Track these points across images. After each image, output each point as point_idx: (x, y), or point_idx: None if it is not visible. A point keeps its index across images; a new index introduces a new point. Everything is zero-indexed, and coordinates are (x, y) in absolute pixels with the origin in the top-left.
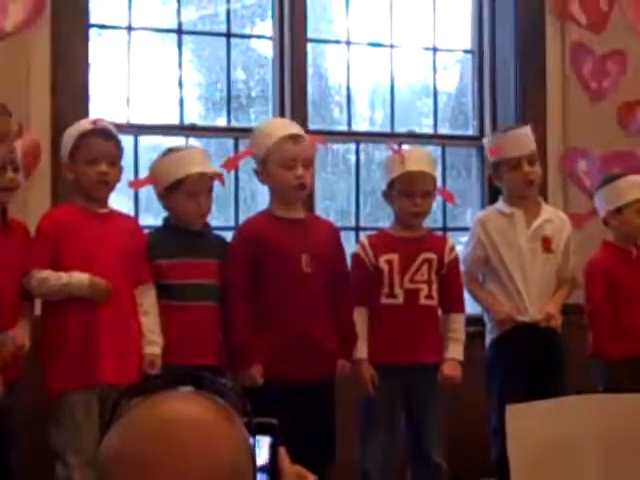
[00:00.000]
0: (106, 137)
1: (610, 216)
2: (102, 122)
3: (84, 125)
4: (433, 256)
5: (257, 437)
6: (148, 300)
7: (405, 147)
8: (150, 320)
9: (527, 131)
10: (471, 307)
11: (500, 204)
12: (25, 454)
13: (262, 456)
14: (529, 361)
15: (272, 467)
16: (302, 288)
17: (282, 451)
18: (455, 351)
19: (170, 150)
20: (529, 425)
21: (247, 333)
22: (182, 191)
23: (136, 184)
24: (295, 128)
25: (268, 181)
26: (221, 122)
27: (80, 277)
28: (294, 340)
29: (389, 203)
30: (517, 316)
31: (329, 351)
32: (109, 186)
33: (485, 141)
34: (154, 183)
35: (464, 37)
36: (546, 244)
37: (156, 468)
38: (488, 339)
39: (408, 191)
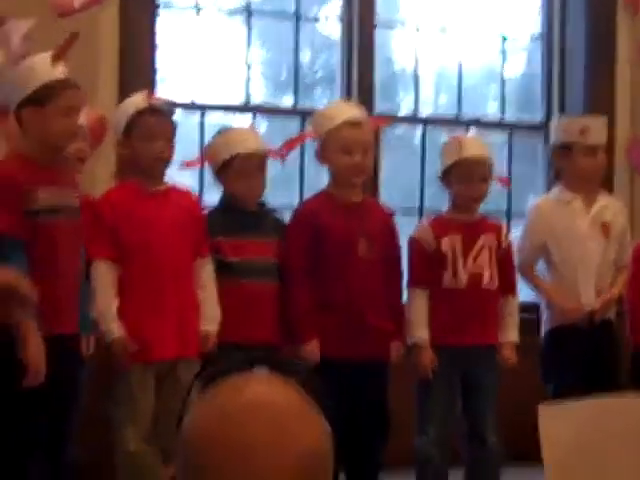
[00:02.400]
0: (162, 115)
1: None
2: (157, 99)
3: (138, 102)
4: (492, 240)
5: None
6: (205, 274)
7: (464, 133)
8: (207, 295)
9: (605, 122)
10: (524, 294)
11: (557, 191)
12: (85, 424)
13: None
14: (585, 351)
15: None
16: (359, 271)
17: None
18: (513, 333)
19: (221, 130)
20: (562, 425)
21: (306, 310)
22: (232, 171)
23: (188, 164)
24: (356, 113)
25: (327, 164)
26: (287, 103)
27: (113, 328)
28: (351, 322)
29: (446, 188)
30: (582, 309)
31: (385, 333)
32: (166, 162)
33: (566, 120)
34: (208, 163)
35: (533, 22)
36: (605, 230)
37: (251, 451)
38: (545, 328)
39: (466, 176)
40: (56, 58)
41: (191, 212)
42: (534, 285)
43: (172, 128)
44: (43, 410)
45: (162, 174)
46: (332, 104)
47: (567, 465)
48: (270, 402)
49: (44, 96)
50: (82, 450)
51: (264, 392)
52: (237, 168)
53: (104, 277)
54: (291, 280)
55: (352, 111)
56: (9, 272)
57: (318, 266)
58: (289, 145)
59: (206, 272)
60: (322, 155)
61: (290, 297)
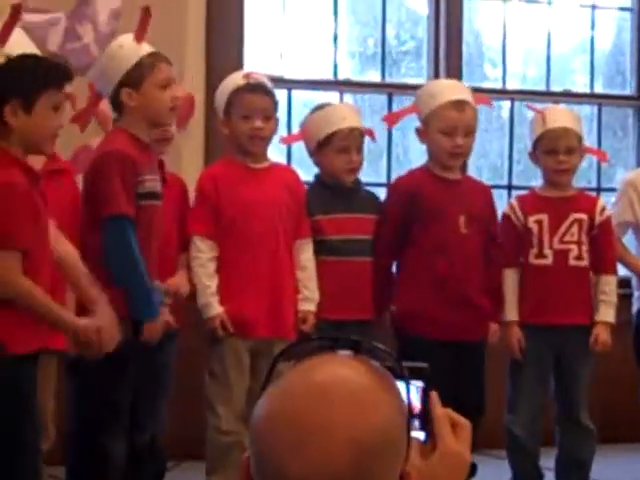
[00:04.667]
0: (260, 91)
1: None
2: (255, 75)
3: (237, 80)
4: (583, 216)
5: (409, 381)
6: (306, 255)
7: (548, 105)
8: (307, 275)
9: None
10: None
11: None
12: (182, 400)
13: (414, 400)
14: None
15: (424, 411)
16: (459, 248)
17: (434, 395)
18: (607, 314)
19: (321, 106)
20: None
21: (384, 285)
22: (333, 146)
23: (288, 140)
24: (462, 93)
25: (427, 142)
26: (373, 77)
27: (213, 304)
28: (450, 298)
29: (536, 163)
30: None
31: (483, 311)
32: (265, 141)
33: None
34: (305, 139)
35: None
36: None
37: (306, 432)
38: (636, 306)
39: (551, 149)
40: (138, 37)
41: (293, 191)
42: (623, 260)
43: (272, 105)
44: (127, 389)
45: (263, 152)
46: (437, 82)
47: None
48: (335, 384)
49: (139, 74)
50: (174, 421)
51: (333, 374)
52: (339, 143)
53: (204, 253)
54: (378, 255)
55: (458, 91)
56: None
57: (418, 240)
58: (395, 116)
59: (306, 253)
60: (423, 133)
61: (374, 272)
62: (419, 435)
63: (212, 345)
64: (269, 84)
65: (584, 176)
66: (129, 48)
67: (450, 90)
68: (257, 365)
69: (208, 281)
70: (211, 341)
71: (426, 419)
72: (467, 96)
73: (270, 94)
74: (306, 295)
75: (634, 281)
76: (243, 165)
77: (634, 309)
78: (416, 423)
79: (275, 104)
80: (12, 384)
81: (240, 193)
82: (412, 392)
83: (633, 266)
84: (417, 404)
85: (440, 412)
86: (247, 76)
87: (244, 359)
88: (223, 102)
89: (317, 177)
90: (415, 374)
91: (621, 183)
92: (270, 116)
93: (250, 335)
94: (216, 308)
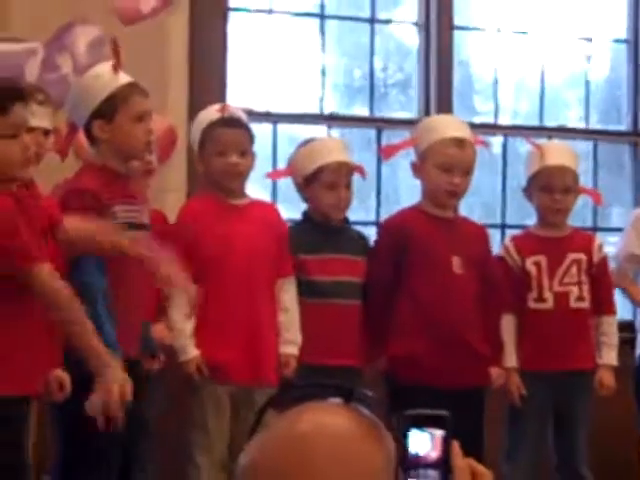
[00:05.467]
0: (234, 125)
1: None
2: (230, 109)
3: (211, 114)
4: (582, 256)
5: (429, 430)
6: (289, 295)
7: (547, 141)
8: (289, 317)
9: None
10: (621, 312)
11: None
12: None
13: (435, 450)
14: None
15: (445, 461)
16: (453, 290)
17: (455, 445)
18: (609, 357)
19: (309, 140)
20: None
21: (378, 329)
22: (321, 181)
23: (275, 175)
24: (463, 131)
25: (422, 178)
26: (361, 111)
27: (188, 347)
28: (447, 343)
29: (530, 200)
30: None
31: (482, 356)
32: (242, 177)
33: None
34: (293, 174)
35: (618, 26)
36: None
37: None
38: (638, 349)
39: (547, 186)
40: (115, 68)
41: (274, 228)
42: (630, 295)
43: (248, 139)
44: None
45: (241, 188)
46: (439, 117)
47: None
48: (321, 433)
49: (112, 106)
50: (156, 474)
51: (320, 423)
52: (327, 178)
53: (180, 295)
54: (372, 296)
55: (460, 127)
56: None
57: (410, 282)
58: (392, 149)
59: (289, 293)
60: (419, 167)
61: (365, 310)
62: None
63: (191, 392)
64: (244, 117)
65: (579, 215)
66: (104, 79)
67: (452, 126)
68: (238, 411)
69: (183, 324)
70: (190, 388)
71: (446, 470)
72: (468, 134)
73: (245, 128)
74: (287, 338)
75: (638, 322)
76: (221, 201)
77: (638, 352)
78: (432, 473)
79: (251, 138)
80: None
81: (218, 230)
82: (424, 441)
83: (637, 300)
84: (432, 453)
85: (461, 463)
86: (221, 109)
87: (224, 405)
88: (198, 137)
89: (305, 214)
90: (435, 422)
91: (633, 215)
92: (246, 151)
93: (228, 380)
94: (192, 352)
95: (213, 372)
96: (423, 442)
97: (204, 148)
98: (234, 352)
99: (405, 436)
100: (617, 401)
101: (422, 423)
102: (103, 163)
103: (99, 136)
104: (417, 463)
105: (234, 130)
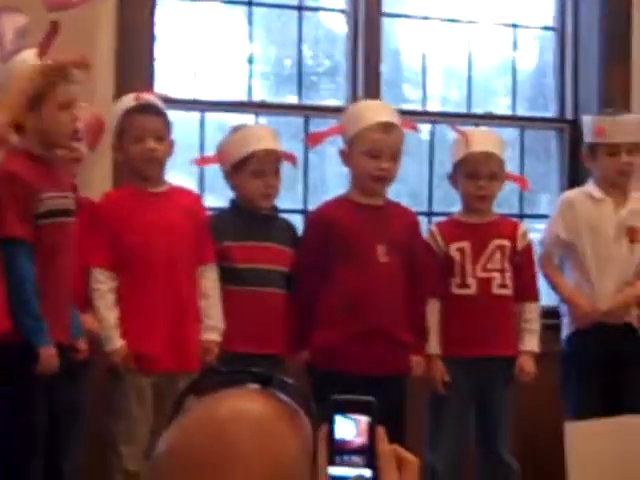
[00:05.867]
0: (151, 112)
1: None
2: (145, 97)
3: (127, 102)
4: (506, 242)
5: (354, 416)
6: (209, 282)
7: (472, 128)
8: (210, 303)
9: (635, 120)
10: (546, 298)
11: (590, 187)
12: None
13: (360, 436)
14: (607, 358)
15: (370, 447)
16: (377, 278)
17: (380, 431)
18: (531, 343)
19: (237, 127)
20: (589, 444)
21: (302, 318)
22: (248, 169)
23: (202, 161)
24: (389, 116)
25: (350, 165)
26: (290, 99)
27: (114, 338)
28: (368, 331)
29: (455, 187)
30: (597, 313)
31: (403, 344)
32: (159, 162)
33: (587, 119)
34: (221, 162)
35: (545, 13)
36: (631, 235)
37: (205, 469)
38: (564, 333)
39: (472, 173)
40: (41, 53)
41: (194, 215)
42: (552, 283)
43: (164, 125)
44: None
45: (159, 174)
46: (364, 103)
47: None
48: (239, 419)
49: (37, 96)
50: (81, 466)
51: (237, 409)
52: (255, 166)
53: (103, 284)
54: (296, 286)
55: (385, 112)
56: None
57: (335, 273)
58: (318, 137)
59: (209, 280)
60: (347, 155)
61: (291, 300)
62: (365, 472)
63: (114, 381)
64: (161, 104)
65: (507, 201)
66: (29, 65)
67: (378, 111)
68: (163, 399)
69: (108, 313)
70: (112, 377)
71: (372, 455)
72: (395, 119)
73: (162, 114)
74: (209, 324)
75: (562, 308)
76: (140, 190)
77: (563, 335)
78: (357, 459)
79: (168, 125)
80: None
81: (137, 219)
82: (350, 427)
83: (562, 290)
84: (357, 439)
85: (386, 449)
86: (137, 98)
87: (147, 396)
88: (115, 125)
89: (232, 202)
90: (361, 408)
91: (559, 200)
92: (163, 137)
93: (152, 370)
94: (117, 342)
95: (138, 362)
96: (348, 428)
97: (122, 136)
98: (158, 341)
99: (331, 422)
100: (542, 387)
101: (348, 409)
102: (28, 149)
103: (24, 123)
104: (342, 449)
105: (150, 117)
